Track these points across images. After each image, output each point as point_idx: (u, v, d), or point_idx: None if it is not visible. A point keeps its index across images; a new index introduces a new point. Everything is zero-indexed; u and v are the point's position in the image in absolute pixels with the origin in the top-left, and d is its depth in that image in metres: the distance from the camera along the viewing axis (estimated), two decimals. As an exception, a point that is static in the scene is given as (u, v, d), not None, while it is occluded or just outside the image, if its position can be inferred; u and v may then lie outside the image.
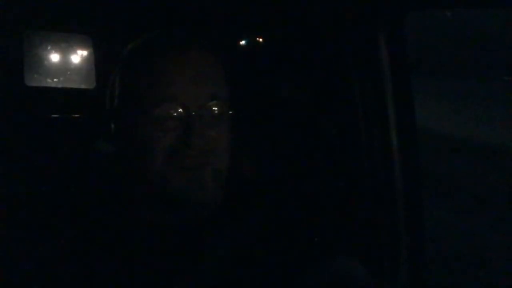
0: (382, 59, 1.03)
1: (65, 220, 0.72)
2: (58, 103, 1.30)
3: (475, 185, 4.40)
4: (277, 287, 0.76)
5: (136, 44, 0.76)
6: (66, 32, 1.32)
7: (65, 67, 1.32)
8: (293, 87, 1.25)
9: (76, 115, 1.29)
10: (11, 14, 1.17)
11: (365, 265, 0.77)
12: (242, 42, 1.31)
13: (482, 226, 3.52)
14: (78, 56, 1.32)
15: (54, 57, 1.32)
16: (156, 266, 0.70)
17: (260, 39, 1.31)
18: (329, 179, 1.16)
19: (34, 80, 1.30)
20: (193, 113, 0.70)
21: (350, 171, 1.14)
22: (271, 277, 0.75)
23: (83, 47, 1.31)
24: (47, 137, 1.18)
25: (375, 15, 1.02)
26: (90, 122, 1.23)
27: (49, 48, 1.31)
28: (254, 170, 1.01)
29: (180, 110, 0.70)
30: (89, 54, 1.30)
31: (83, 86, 1.34)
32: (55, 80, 1.33)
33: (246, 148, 0.94)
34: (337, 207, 1.11)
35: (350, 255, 0.80)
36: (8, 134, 1.15)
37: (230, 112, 0.75)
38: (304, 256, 0.78)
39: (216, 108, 0.72)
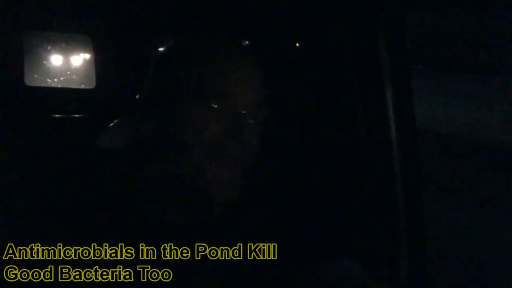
0: (382, 59, 1.03)
1: (67, 221, 0.72)
2: (58, 103, 1.30)
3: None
4: (277, 287, 0.76)
5: (195, 41, 0.78)
6: (66, 32, 1.32)
7: (65, 67, 1.32)
8: (293, 87, 1.25)
9: (76, 115, 1.29)
10: (11, 14, 1.17)
11: (365, 265, 0.77)
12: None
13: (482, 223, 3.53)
14: (77, 56, 1.32)
15: (54, 57, 1.32)
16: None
17: (260, 40, 1.31)
18: (329, 179, 1.16)
19: (34, 80, 1.30)
20: (243, 112, 0.72)
21: (349, 171, 1.14)
22: (271, 277, 0.75)
23: (83, 47, 1.31)
24: (47, 137, 1.18)
25: (375, 15, 1.02)
26: (90, 122, 1.23)
27: (49, 48, 1.31)
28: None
29: (235, 108, 0.72)
30: (88, 54, 1.31)
31: (83, 86, 1.34)
32: (55, 80, 1.33)
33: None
34: (337, 207, 1.11)
35: (349, 255, 0.80)
36: (8, 134, 1.15)
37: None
38: (304, 256, 0.78)
39: (260, 116, 0.76)
